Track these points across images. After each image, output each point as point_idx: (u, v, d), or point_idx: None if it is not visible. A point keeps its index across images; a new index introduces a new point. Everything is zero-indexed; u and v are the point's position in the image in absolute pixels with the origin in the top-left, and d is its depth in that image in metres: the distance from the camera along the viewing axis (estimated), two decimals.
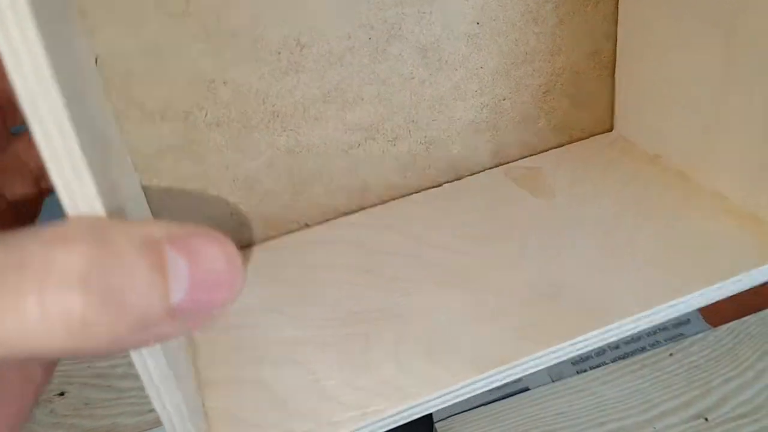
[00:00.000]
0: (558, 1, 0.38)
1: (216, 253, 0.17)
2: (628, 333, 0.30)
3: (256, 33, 0.33)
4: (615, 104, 0.43)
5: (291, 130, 0.36)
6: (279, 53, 0.34)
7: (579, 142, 0.43)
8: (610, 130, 0.44)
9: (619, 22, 0.40)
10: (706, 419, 0.37)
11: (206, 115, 0.34)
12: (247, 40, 0.33)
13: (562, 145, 0.43)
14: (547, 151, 0.43)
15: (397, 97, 0.37)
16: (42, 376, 0.24)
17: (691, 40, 0.35)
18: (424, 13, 0.35)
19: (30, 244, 0.15)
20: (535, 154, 0.43)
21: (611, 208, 0.37)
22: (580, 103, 0.42)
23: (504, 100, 0.40)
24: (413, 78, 0.37)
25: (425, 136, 0.39)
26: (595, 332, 0.29)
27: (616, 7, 0.39)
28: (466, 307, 0.32)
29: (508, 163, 0.42)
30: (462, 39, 0.37)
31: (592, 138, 0.44)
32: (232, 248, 0.17)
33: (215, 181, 0.36)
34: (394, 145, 0.39)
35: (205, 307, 0.17)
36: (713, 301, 0.31)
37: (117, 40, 0.31)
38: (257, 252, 0.38)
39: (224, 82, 0.34)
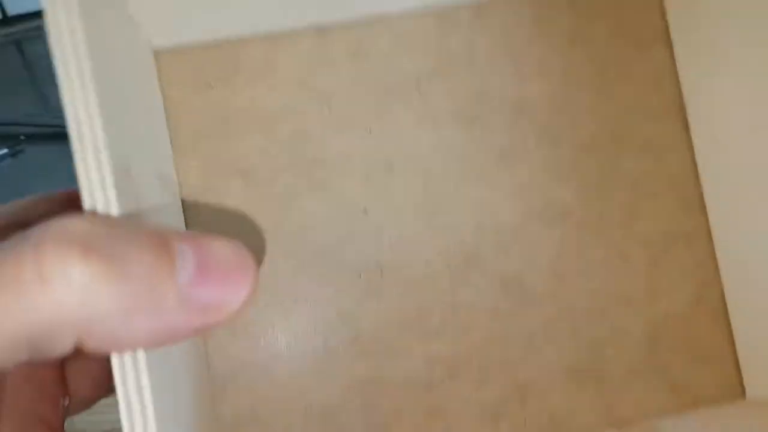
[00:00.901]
0: (646, 239, 0.37)
1: (223, 246, 0.16)
2: None
3: (338, 256, 0.35)
4: (739, 362, 0.38)
5: (370, 356, 0.35)
6: (360, 276, 0.35)
7: (705, 408, 0.37)
8: (743, 394, 0.38)
9: (719, 266, 0.38)
10: None
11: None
12: (332, 260, 0.35)
13: (684, 409, 0.37)
14: (668, 413, 0.37)
15: (482, 330, 0.36)
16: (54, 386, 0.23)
17: None
18: (501, 241, 0.36)
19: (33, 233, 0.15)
20: (653, 416, 0.37)
21: None
22: (698, 359, 0.38)
23: (604, 347, 0.37)
24: (497, 310, 0.36)
25: (517, 380, 0.36)
26: None
27: (713, 249, 0.38)
28: None
29: (620, 424, 0.37)
30: (545, 273, 0.37)
31: (719, 405, 0.37)
32: (241, 246, 0.17)
33: (289, 407, 0.34)
34: (479, 388, 0.36)
35: (216, 299, 0.16)
36: None
37: None
38: None
39: (306, 301, 0.35)
